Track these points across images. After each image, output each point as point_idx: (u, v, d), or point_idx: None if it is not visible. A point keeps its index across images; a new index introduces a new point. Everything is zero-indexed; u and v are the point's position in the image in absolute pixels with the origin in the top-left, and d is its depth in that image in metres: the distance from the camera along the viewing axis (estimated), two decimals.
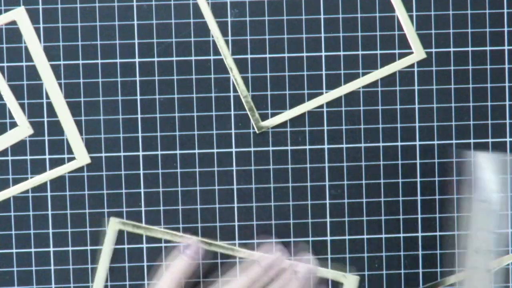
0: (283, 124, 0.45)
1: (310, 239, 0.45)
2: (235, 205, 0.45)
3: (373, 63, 0.45)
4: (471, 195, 0.40)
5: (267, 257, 0.43)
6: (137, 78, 0.45)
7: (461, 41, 0.45)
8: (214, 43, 0.45)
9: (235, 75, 0.45)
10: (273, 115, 0.45)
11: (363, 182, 0.45)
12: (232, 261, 0.45)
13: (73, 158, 0.45)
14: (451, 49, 0.45)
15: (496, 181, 0.41)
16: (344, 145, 0.45)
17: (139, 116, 0.45)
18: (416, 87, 0.45)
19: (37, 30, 0.44)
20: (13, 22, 0.44)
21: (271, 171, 0.45)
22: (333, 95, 0.45)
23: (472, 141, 0.45)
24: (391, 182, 0.45)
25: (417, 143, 0.45)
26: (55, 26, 0.44)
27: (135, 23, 0.45)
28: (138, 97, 0.45)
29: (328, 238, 0.45)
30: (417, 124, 0.45)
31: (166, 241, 0.45)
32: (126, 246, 0.45)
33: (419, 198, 0.45)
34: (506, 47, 0.45)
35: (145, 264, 0.45)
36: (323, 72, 0.45)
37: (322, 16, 0.45)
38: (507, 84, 0.46)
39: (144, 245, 0.45)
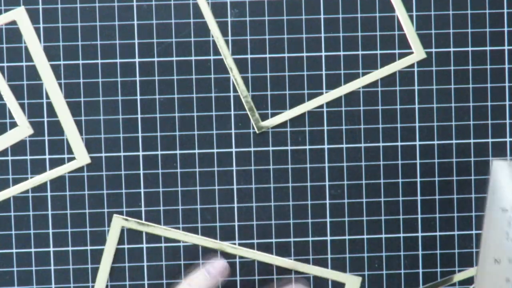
0: (283, 124, 0.45)
1: (310, 239, 0.45)
2: (235, 205, 0.45)
3: (373, 63, 0.45)
4: (490, 203, 0.40)
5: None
6: (137, 78, 0.45)
7: (461, 41, 0.45)
8: (214, 43, 0.45)
9: (235, 75, 0.45)
10: (273, 115, 0.45)
11: (363, 182, 0.45)
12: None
13: (73, 158, 0.45)
14: (451, 49, 0.45)
15: None
16: (344, 145, 0.45)
17: (139, 116, 0.45)
18: (416, 87, 0.45)
19: (37, 30, 0.44)
20: (13, 22, 0.44)
21: (271, 171, 0.45)
22: (333, 95, 0.45)
23: (472, 141, 0.45)
24: (391, 182, 0.45)
25: (417, 143, 0.45)
26: (55, 26, 0.44)
27: (135, 23, 0.45)
28: (138, 97, 0.45)
29: (328, 238, 0.45)
30: (417, 124, 0.45)
31: (166, 241, 0.45)
32: (126, 246, 0.45)
33: (419, 198, 0.45)
34: (506, 47, 0.45)
35: (145, 264, 0.45)
36: (323, 72, 0.45)
37: (322, 16, 0.45)
38: (507, 84, 0.46)
39: (144, 245, 0.45)
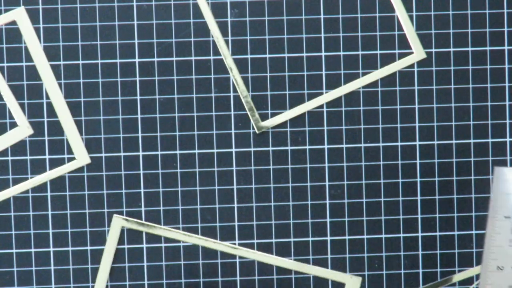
0: (283, 124, 0.45)
1: (310, 239, 0.45)
2: (235, 205, 0.45)
3: (373, 63, 0.45)
4: (492, 210, 0.40)
5: None
6: (137, 78, 0.45)
7: (461, 41, 0.45)
8: (214, 43, 0.45)
9: (235, 75, 0.45)
10: (273, 115, 0.45)
11: (363, 182, 0.45)
12: (233, 261, 0.45)
13: (73, 158, 0.45)
14: (451, 49, 0.45)
15: None
16: (344, 145, 0.45)
17: (139, 116, 0.45)
18: (416, 87, 0.45)
19: (37, 30, 0.44)
20: (13, 22, 0.44)
21: (271, 171, 0.45)
22: (333, 95, 0.45)
23: (472, 141, 0.45)
24: (391, 182, 0.45)
25: (417, 143, 0.45)
26: (55, 26, 0.44)
27: (135, 23, 0.45)
28: (138, 97, 0.45)
29: (328, 238, 0.45)
30: (417, 124, 0.45)
31: (166, 241, 0.45)
32: (126, 246, 0.45)
33: (419, 198, 0.45)
34: (506, 47, 0.45)
35: (145, 264, 0.45)
36: (323, 72, 0.45)
37: (322, 16, 0.45)
38: (507, 84, 0.46)
39: (144, 245, 0.45)
